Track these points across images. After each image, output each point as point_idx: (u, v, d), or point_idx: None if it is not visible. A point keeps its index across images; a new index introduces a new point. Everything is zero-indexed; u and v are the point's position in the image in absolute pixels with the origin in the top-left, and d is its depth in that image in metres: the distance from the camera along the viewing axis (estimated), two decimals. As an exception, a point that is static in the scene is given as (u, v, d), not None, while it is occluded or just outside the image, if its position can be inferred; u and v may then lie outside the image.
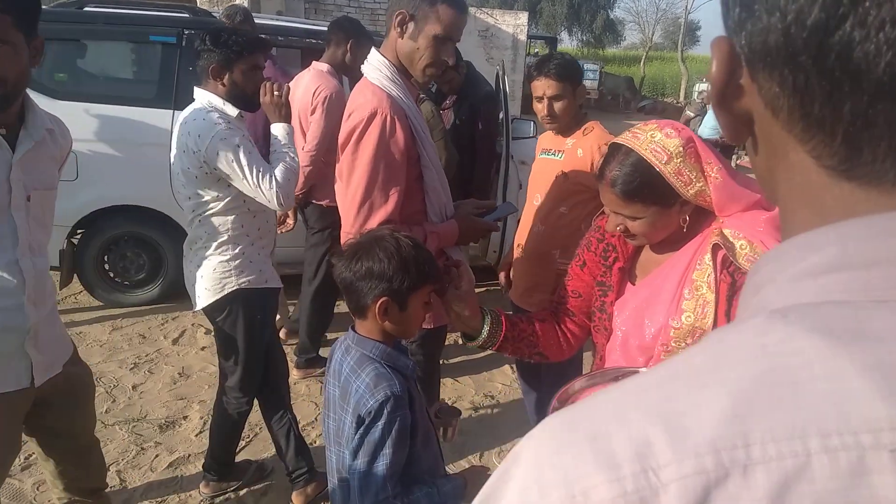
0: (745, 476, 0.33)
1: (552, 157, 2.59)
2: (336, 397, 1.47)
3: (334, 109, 3.28)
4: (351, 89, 3.94)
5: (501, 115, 4.01)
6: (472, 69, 3.97)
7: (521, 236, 2.73)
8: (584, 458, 0.37)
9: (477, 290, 1.65)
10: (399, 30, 1.93)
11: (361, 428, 1.36)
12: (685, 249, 1.46)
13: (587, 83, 20.81)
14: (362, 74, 2.07)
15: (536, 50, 23.69)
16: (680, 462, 0.34)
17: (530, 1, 33.79)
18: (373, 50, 2.00)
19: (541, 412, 1.46)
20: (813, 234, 0.40)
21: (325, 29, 3.70)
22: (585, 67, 20.82)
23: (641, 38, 46.25)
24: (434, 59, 1.96)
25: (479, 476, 1.55)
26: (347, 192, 1.92)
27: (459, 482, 1.50)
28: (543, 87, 2.43)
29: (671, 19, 46.21)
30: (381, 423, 1.35)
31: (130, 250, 4.52)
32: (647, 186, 1.36)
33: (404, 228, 1.89)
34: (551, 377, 2.45)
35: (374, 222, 1.89)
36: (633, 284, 1.56)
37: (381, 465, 1.35)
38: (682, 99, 25.21)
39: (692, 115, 13.97)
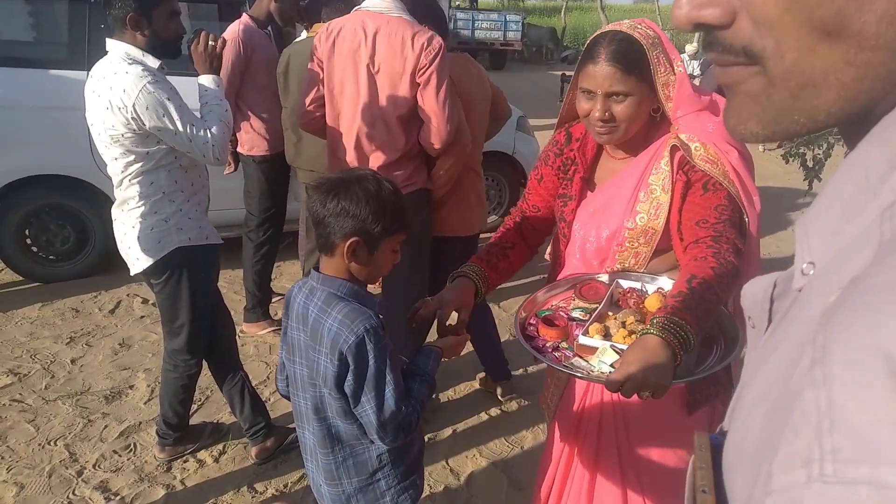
0: None
1: None
2: (304, 341, 1.45)
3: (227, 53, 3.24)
4: (275, 40, 3.87)
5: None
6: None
7: None
8: None
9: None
10: None
11: (350, 372, 1.36)
12: (641, 157, 1.52)
13: (510, 35, 20.71)
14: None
15: (458, 2, 23.41)
16: None
17: (448, -48, 33.22)
18: None
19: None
20: None
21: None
22: (508, 19, 20.72)
23: (560, -12, 46.36)
24: None
25: (453, 342, 1.55)
26: (437, 100, 2.43)
27: (435, 351, 1.53)
28: None
29: (589, -32, 46.46)
30: (371, 358, 1.36)
31: (53, 222, 4.30)
32: (642, 58, 1.40)
33: None
34: None
35: (452, 127, 2.49)
36: (592, 192, 1.62)
37: (389, 392, 1.37)
38: (603, 47, 25.43)
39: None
